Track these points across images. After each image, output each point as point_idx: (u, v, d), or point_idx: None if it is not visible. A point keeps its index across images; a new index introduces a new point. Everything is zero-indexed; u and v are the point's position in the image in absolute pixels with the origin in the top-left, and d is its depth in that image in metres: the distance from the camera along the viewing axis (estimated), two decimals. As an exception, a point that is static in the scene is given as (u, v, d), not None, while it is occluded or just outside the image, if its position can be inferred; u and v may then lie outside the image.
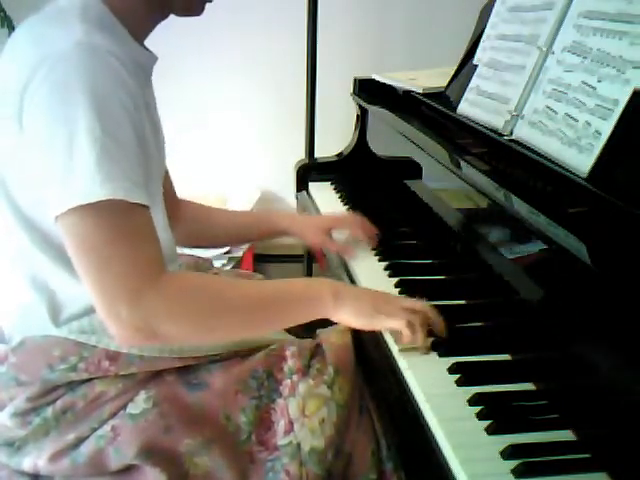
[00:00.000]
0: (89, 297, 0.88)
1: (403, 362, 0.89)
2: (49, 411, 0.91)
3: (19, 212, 0.89)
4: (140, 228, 0.83)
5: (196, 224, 1.28)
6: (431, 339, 0.91)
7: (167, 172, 1.19)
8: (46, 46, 0.83)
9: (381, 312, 0.91)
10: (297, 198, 1.72)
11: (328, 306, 0.92)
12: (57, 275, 0.91)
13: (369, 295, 0.96)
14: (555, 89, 0.99)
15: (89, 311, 0.92)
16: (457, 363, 0.88)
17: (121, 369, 0.92)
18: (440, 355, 0.90)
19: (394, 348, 0.93)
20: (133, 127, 0.84)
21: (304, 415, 0.94)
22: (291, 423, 0.94)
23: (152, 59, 0.99)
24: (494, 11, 1.26)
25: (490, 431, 0.76)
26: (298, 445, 0.92)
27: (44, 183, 0.82)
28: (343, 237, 1.30)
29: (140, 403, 0.92)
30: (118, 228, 0.81)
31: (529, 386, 0.84)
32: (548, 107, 0.99)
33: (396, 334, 0.92)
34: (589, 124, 0.89)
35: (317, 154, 2.05)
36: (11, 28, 2.12)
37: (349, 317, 0.92)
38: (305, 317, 0.94)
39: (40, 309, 0.92)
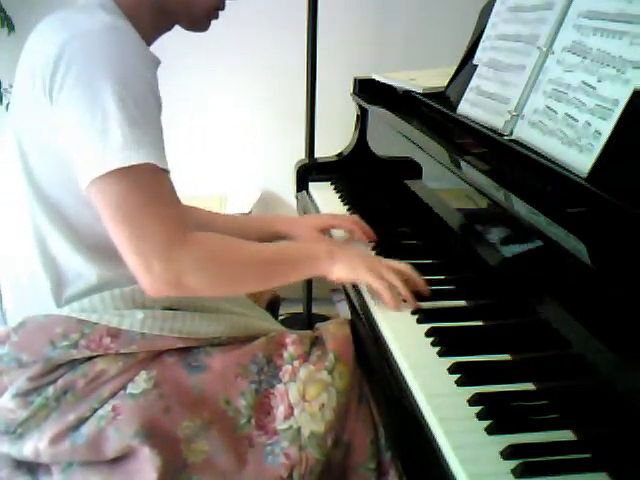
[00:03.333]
0: (91, 276, 0.94)
1: (403, 362, 0.89)
2: (50, 390, 0.92)
3: (34, 182, 0.93)
4: (168, 191, 0.90)
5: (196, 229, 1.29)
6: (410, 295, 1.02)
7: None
8: (74, 27, 0.89)
9: (370, 269, 1.02)
10: (297, 198, 1.72)
11: (325, 266, 1.02)
12: (64, 248, 0.94)
13: (359, 255, 1.06)
14: (555, 89, 0.99)
15: (89, 292, 0.95)
16: (457, 363, 0.88)
17: (122, 347, 0.94)
18: (440, 355, 0.90)
19: (394, 347, 0.93)
20: (155, 101, 0.91)
21: (304, 400, 0.95)
22: (291, 408, 0.95)
23: (156, 62, 1.01)
24: (494, 11, 1.26)
25: (490, 431, 0.76)
26: (298, 429, 0.94)
27: (76, 151, 0.86)
28: (341, 235, 1.30)
29: (141, 383, 0.93)
30: (150, 191, 0.87)
31: (529, 386, 0.84)
32: (548, 107, 0.99)
33: (377, 295, 1.03)
34: (589, 124, 0.89)
35: (317, 154, 2.05)
36: (11, 28, 2.12)
37: (341, 272, 1.02)
38: (306, 274, 1.06)
39: (44, 284, 0.94)
